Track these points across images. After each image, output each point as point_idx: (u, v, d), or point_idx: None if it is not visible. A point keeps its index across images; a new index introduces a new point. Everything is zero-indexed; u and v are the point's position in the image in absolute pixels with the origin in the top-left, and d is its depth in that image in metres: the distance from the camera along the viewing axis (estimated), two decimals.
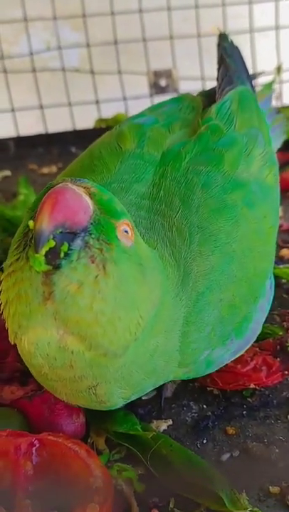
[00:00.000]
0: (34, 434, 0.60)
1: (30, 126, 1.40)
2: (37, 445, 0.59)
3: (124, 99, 1.40)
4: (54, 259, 0.49)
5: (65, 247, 0.49)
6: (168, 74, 1.43)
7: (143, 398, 0.69)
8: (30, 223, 0.50)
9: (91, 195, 0.51)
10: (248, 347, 0.69)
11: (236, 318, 0.65)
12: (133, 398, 0.62)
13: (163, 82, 1.43)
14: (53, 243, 0.48)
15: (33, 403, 0.64)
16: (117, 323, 0.52)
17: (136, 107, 0.85)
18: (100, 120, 1.37)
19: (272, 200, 0.74)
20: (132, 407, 0.66)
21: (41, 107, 1.40)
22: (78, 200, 0.50)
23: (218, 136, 0.72)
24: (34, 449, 0.59)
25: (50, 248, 0.48)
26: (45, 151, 1.35)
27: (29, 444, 0.59)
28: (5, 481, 0.57)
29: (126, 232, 0.53)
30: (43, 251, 0.48)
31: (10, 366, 0.70)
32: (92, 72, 1.40)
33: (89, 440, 0.64)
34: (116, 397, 0.59)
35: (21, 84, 1.41)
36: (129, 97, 1.40)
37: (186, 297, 0.61)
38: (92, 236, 0.50)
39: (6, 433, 0.59)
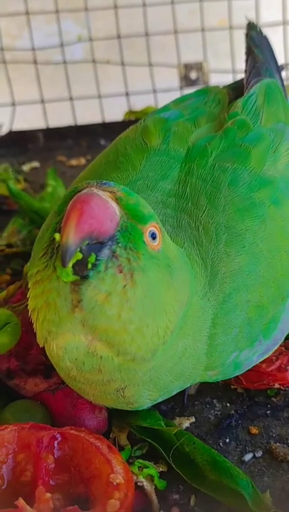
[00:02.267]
0: (56, 427, 0.61)
1: (59, 117, 1.40)
2: (59, 439, 0.59)
3: (154, 91, 1.39)
4: (82, 270, 0.49)
5: (92, 258, 0.48)
6: (198, 67, 1.41)
7: None
8: (57, 236, 0.49)
9: (117, 200, 0.50)
10: (276, 347, 0.68)
11: (264, 319, 0.64)
12: (160, 400, 0.62)
13: (193, 75, 1.42)
14: (80, 256, 0.48)
15: (56, 396, 0.65)
16: (145, 330, 0.52)
17: (166, 100, 0.83)
18: (130, 112, 1.37)
19: None
20: (155, 403, 0.66)
21: (71, 98, 1.40)
22: (104, 207, 0.49)
23: (245, 131, 0.70)
24: (56, 442, 0.59)
25: (78, 260, 0.48)
26: (74, 143, 1.35)
27: (51, 437, 0.59)
28: (26, 474, 0.58)
29: (154, 235, 0.52)
30: (70, 264, 0.48)
31: (34, 359, 0.70)
32: (122, 64, 1.39)
33: (111, 435, 0.64)
34: (144, 399, 0.59)
35: (52, 76, 1.42)
36: (159, 89, 1.39)
37: (213, 298, 0.60)
38: (120, 245, 0.50)
39: (28, 426, 0.60)
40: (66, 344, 0.52)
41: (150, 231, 0.52)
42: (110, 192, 0.51)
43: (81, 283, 0.49)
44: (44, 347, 0.55)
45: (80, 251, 0.48)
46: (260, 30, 0.86)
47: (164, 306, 0.53)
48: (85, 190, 0.49)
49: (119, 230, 0.50)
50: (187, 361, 0.59)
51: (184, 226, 0.63)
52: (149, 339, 0.52)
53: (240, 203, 0.65)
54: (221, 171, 0.66)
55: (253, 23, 0.86)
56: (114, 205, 0.50)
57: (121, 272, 0.49)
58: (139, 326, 0.51)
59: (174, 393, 0.63)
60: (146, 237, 0.52)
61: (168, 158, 0.69)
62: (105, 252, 0.49)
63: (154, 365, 0.55)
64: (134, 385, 0.56)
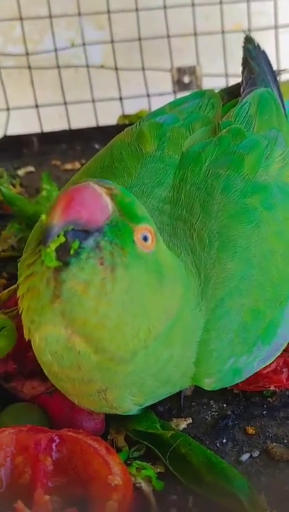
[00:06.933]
0: (54, 429, 0.61)
1: (54, 122, 1.41)
2: (57, 441, 0.59)
3: (148, 95, 1.40)
4: (65, 255, 0.49)
5: (75, 244, 0.48)
6: (191, 71, 1.42)
7: None
8: (43, 217, 0.50)
9: (112, 196, 0.51)
10: (278, 354, 0.67)
11: (261, 324, 0.63)
12: (147, 404, 0.62)
13: (186, 79, 1.43)
14: (63, 239, 0.48)
15: (53, 399, 0.65)
16: (124, 329, 0.51)
17: (159, 104, 0.84)
18: (123, 117, 1.37)
19: None
20: (151, 404, 0.66)
21: (65, 103, 1.40)
22: (96, 199, 0.49)
23: (240, 139, 0.70)
24: (54, 444, 0.59)
25: (62, 244, 0.48)
26: (69, 147, 1.36)
27: (49, 439, 0.59)
28: (24, 477, 0.58)
29: (145, 237, 0.52)
30: (53, 246, 0.48)
31: (31, 361, 0.70)
32: (115, 68, 1.40)
33: (109, 437, 0.64)
34: (128, 403, 0.59)
35: (45, 81, 1.42)
36: (152, 93, 1.40)
37: (205, 306, 0.59)
38: (106, 238, 0.49)
39: (26, 428, 0.60)
40: (48, 335, 0.52)
41: (142, 232, 0.52)
42: (107, 188, 0.51)
43: (63, 270, 0.49)
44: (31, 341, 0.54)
45: (65, 235, 0.48)
46: (258, 44, 0.86)
47: (146, 309, 0.52)
48: (81, 183, 0.50)
49: (108, 224, 0.50)
50: (174, 369, 0.58)
51: (179, 234, 0.63)
52: (129, 339, 0.52)
53: (233, 209, 0.64)
54: (214, 178, 0.66)
55: (250, 37, 0.87)
56: (107, 199, 0.50)
57: (102, 264, 0.49)
58: (118, 324, 0.51)
59: (162, 398, 0.63)
60: (137, 237, 0.52)
61: (163, 164, 0.69)
62: (90, 242, 0.49)
63: (135, 369, 0.55)
64: (116, 388, 0.56)
